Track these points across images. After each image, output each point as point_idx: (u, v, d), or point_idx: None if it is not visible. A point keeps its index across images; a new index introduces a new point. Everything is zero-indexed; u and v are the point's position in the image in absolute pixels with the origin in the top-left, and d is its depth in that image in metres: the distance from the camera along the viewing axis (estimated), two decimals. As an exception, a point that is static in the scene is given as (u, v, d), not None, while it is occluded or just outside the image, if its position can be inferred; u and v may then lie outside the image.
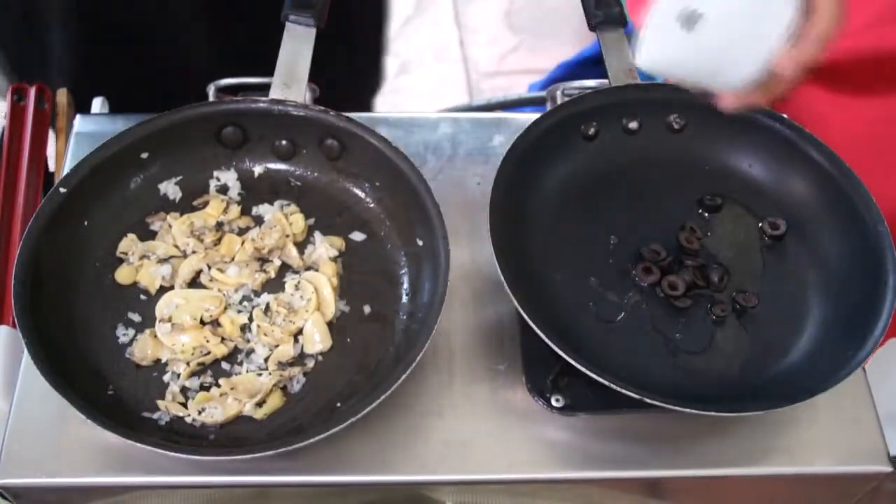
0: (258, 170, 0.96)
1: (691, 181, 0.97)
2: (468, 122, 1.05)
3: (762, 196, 0.96)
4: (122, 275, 0.88)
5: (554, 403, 0.83)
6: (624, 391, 0.77)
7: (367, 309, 0.89)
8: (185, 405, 0.82)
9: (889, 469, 0.85)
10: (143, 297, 0.88)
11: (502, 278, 0.81)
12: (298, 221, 0.93)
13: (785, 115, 0.96)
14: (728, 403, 0.80)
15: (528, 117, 0.95)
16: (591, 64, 1.80)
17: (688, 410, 0.77)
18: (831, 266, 0.91)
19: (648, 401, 0.77)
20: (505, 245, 0.83)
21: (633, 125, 0.98)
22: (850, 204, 0.90)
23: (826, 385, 0.79)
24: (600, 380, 0.77)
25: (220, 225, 0.92)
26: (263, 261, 0.91)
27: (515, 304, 0.80)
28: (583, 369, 0.77)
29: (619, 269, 0.91)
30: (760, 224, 0.94)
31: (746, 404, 0.80)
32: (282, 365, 0.85)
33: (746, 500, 0.93)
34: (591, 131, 0.96)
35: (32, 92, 1.04)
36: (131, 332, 0.85)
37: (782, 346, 0.88)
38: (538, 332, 0.79)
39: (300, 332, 0.86)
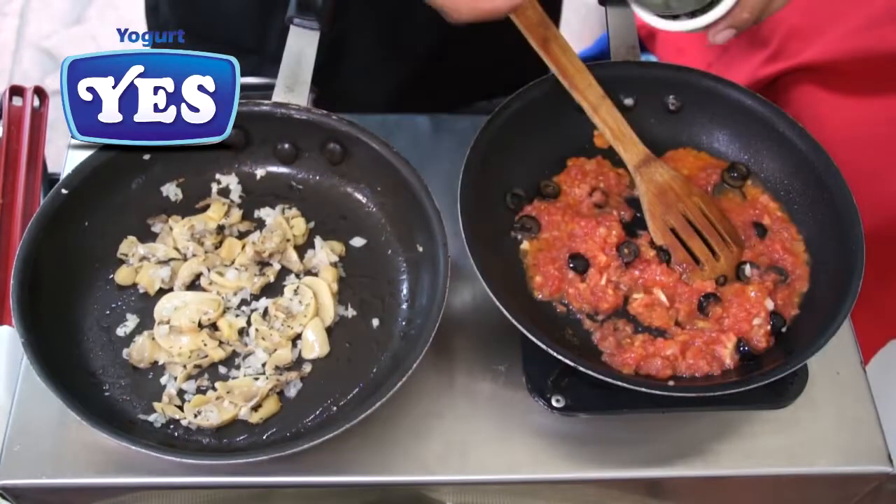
0: (260, 173, 0.96)
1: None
2: (471, 127, 1.04)
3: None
4: (122, 276, 0.88)
5: (554, 404, 0.83)
6: (620, 383, 0.78)
7: (365, 314, 0.89)
8: (181, 408, 0.82)
9: (889, 469, 0.84)
10: (142, 298, 0.88)
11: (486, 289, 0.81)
12: (299, 225, 0.93)
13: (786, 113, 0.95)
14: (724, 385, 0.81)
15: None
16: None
17: (685, 395, 0.79)
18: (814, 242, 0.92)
19: (644, 390, 0.77)
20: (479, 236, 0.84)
21: (629, 101, 0.97)
22: (825, 187, 0.90)
23: (813, 349, 0.79)
24: (594, 374, 0.78)
25: (220, 228, 0.92)
26: (263, 264, 0.91)
27: (505, 312, 0.80)
28: (577, 366, 0.78)
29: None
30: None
31: (743, 382, 0.79)
32: (279, 369, 0.84)
33: (746, 500, 0.93)
34: None
35: (29, 93, 1.04)
36: (130, 333, 0.86)
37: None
38: (534, 339, 0.79)
39: (298, 336, 0.86)
